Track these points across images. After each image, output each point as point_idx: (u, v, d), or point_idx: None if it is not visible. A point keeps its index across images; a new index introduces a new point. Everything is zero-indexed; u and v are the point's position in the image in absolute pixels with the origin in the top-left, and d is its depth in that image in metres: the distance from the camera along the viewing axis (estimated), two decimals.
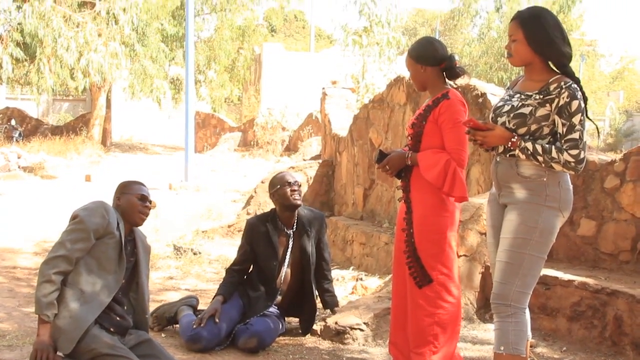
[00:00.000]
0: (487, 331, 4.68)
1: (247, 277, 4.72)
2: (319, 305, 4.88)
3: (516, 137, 3.11)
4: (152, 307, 4.51)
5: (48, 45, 17.77)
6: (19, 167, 15.94)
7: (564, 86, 3.06)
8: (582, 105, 3.06)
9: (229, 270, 4.74)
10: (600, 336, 4.36)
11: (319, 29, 48.71)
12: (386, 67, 14.64)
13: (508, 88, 3.41)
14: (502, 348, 3.15)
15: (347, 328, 4.46)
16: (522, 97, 3.18)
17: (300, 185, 4.69)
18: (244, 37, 25.70)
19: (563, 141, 3.06)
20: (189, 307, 4.65)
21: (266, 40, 29.52)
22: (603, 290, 4.37)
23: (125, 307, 3.67)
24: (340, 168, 10.12)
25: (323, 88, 12.02)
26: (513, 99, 3.22)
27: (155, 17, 20.73)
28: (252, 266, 4.73)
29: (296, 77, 28.74)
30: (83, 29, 18.16)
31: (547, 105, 3.09)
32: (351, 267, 7.77)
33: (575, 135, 3.03)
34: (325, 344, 4.44)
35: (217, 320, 4.28)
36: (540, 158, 3.06)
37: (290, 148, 20.88)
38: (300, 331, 4.72)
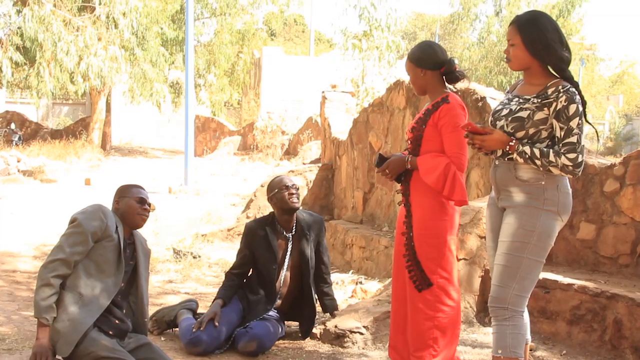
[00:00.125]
0: (487, 335, 4.67)
1: (247, 281, 4.72)
2: (319, 308, 4.88)
3: (514, 141, 3.12)
4: (151, 310, 4.51)
5: (48, 49, 17.76)
6: (18, 170, 15.93)
7: (561, 90, 3.06)
8: (580, 109, 3.06)
9: (228, 274, 4.73)
10: (600, 340, 4.36)
11: (319, 33, 48.75)
12: (386, 71, 14.63)
13: (508, 92, 3.41)
14: (500, 351, 3.16)
15: (347, 331, 4.46)
16: (521, 100, 3.18)
17: (298, 189, 4.70)
18: (243, 41, 25.74)
19: (561, 145, 3.06)
20: (189, 311, 4.65)
21: (266, 44, 29.52)
22: (603, 293, 4.37)
23: (125, 311, 3.68)
24: (340, 172, 10.12)
25: (323, 92, 12.02)
26: (511, 103, 3.23)
27: (155, 21, 20.74)
28: (251, 270, 4.73)
29: (296, 81, 28.76)
30: (83, 33, 18.16)
31: (545, 109, 3.09)
32: (351, 271, 7.77)
33: (573, 139, 3.04)
34: (325, 348, 4.44)
35: (216, 323, 4.28)
36: (538, 162, 3.06)
37: (290, 152, 20.88)
38: (299, 335, 4.72)
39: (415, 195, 3.69)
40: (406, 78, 5.35)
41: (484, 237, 4.84)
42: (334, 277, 6.57)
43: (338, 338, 4.46)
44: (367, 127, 8.98)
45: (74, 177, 16.11)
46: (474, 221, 5.05)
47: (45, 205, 11.29)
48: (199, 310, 4.78)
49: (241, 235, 4.84)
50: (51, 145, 21.43)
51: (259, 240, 4.62)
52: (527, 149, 3.08)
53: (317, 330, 4.64)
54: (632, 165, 4.92)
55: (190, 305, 4.74)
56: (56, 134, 25.61)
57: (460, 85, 3.80)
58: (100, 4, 18.38)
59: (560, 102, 3.05)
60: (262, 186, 10.32)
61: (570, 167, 3.04)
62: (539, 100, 3.11)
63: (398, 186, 3.81)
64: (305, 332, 4.69)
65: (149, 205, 3.74)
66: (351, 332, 4.46)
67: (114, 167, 19.77)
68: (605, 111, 43.50)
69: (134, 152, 25.56)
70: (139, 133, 29.71)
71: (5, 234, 8.71)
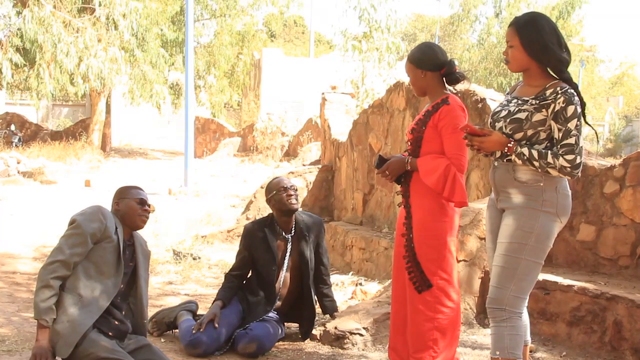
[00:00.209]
0: (487, 336, 4.66)
1: (246, 282, 4.73)
2: (318, 310, 4.88)
3: (512, 143, 3.12)
4: (151, 312, 4.52)
5: (48, 50, 17.77)
6: (18, 172, 15.93)
7: (559, 91, 3.06)
8: (579, 110, 3.06)
9: (227, 276, 4.73)
10: (600, 341, 4.36)
11: (319, 35, 48.79)
12: (386, 72, 14.65)
13: (507, 93, 3.42)
14: (497, 353, 3.16)
15: (347, 333, 4.46)
16: (519, 102, 3.19)
17: (296, 190, 4.71)
18: (243, 43, 25.77)
19: (559, 146, 3.06)
20: (189, 312, 4.65)
21: (266, 45, 29.56)
22: (602, 295, 4.37)
23: (124, 312, 3.68)
24: (339, 173, 10.12)
25: (322, 93, 12.01)
26: (510, 104, 3.23)
27: (154, 23, 20.76)
28: (251, 271, 4.73)
29: (296, 83, 28.79)
30: (83, 34, 18.17)
31: (544, 110, 3.09)
32: (351, 272, 7.77)
33: (571, 140, 3.04)
34: (325, 349, 4.44)
35: (216, 325, 4.28)
36: (536, 163, 3.06)
37: (290, 153, 20.88)
38: (299, 336, 4.72)
39: (415, 196, 3.69)
40: (406, 79, 5.35)
41: (484, 239, 4.85)
42: (334, 278, 6.57)
43: (338, 339, 4.46)
44: (367, 129, 8.98)
45: (74, 179, 16.11)
46: (474, 222, 5.05)
47: (45, 207, 11.29)
48: (199, 312, 4.78)
49: (240, 237, 4.84)
50: (51, 147, 21.43)
51: (258, 242, 4.63)
52: (525, 150, 3.08)
53: (317, 331, 4.64)
54: (632, 167, 4.91)
55: (190, 307, 4.73)
56: (56, 136, 25.62)
57: (460, 86, 3.80)
58: (100, 5, 18.40)
59: (559, 103, 3.05)
60: (261, 187, 10.32)
61: (568, 169, 3.04)
62: (537, 102, 3.11)
63: (398, 188, 3.81)
64: (305, 333, 4.68)
65: (149, 206, 3.74)
66: (351, 333, 4.46)
67: (113, 168, 19.78)
68: (605, 113, 43.52)
69: (134, 154, 25.57)
70: (138, 134, 29.74)
71: (5, 235, 8.71)
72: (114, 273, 3.54)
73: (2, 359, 3.77)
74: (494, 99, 5.99)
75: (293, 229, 4.69)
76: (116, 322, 3.58)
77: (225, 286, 4.66)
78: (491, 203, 3.39)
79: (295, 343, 4.61)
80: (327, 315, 4.90)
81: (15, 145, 22.41)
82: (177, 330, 4.56)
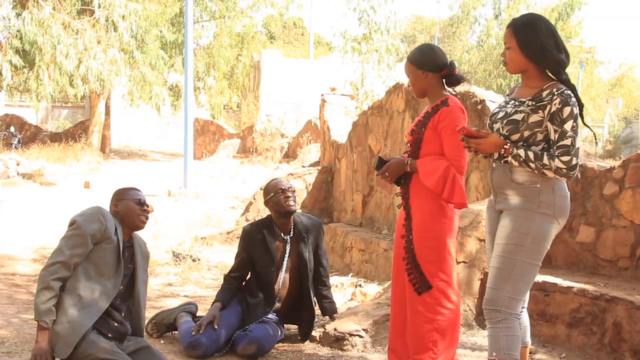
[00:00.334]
0: (486, 337, 4.67)
1: (246, 284, 4.73)
2: (318, 311, 4.88)
3: (509, 144, 3.12)
4: (150, 313, 4.52)
5: (47, 52, 17.75)
6: (18, 173, 15.92)
7: (556, 92, 3.06)
8: (575, 111, 3.05)
9: (226, 278, 4.74)
10: (600, 342, 4.36)
11: (318, 36, 48.83)
12: (385, 74, 14.66)
13: (506, 95, 3.42)
14: (494, 354, 3.16)
15: (346, 334, 4.46)
16: (516, 103, 3.19)
17: (294, 191, 4.72)
18: (243, 44, 25.76)
19: (555, 148, 3.06)
20: (188, 314, 4.65)
21: (265, 47, 29.59)
22: (602, 296, 4.37)
23: (124, 314, 3.68)
24: (339, 175, 10.12)
25: (322, 95, 12.02)
26: (507, 106, 3.24)
27: (154, 24, 20.76)
28: (250, 273, 4.73)
29: (295, 84, 28.80)
30: (82, 36, 18.15)
31: (540, 111, 3.09)
32: (350, 274, 7.77)
33: (567, 141, 3.03)
34: (324, 351, 4.44)
35: (216, 326, 4.28)
36: (532, 165, 3.06)
37: (289, 155, 20.88)
38: (299, 337, 4.72)
39: (415, 198, 3.69)
40: (405, 81, 5.35)
41: (484, 240, 4.84)
42: (333, 280, 6.57)
43: (337, 341, 4.46)
44: (366, 130, 8.98)
45: (74, 180, 16.11)
46: (473, 224, 5.05)
47: (44, 209, 11.29)
48: (199, 313, 4.78)
49: (239, 239, 4.85)
50: (50, 149, 21.43)
51: (256, 243, 4.63)
52: (521, 152, 3.08)
53: (316, 333, 4.64)
54: (631, 168, 4.92)
55: (189, 308, 4.73)
56: (55, 137, 25.60)
57: (460, 88, 3.80)
58: (99, 7, 18.38)
59: (555, 104, 3.05)
60: (261, 189, 10.30)
61: (564, 170, 3.03)
62: (534, 103, 3.11)
63: (397, 189, 3.81)
64: (305, 335, 4.68)
65: (148, 206, 3.74)
66: (350, 335, 4.46)
67: (113, 170, 19.77)
68: (604, 114, 43.52)
69: (133, 155, 25.57)
70: (138, 136, 29.73)
71: (4, 237, 8.70)
72: (113, 274, 3.54)
73: None
74: (493, 101, 5.99)
75: (292, 230, 4.70)
76: (115, 324, 3.58)
77: (225, 288, 4.66)
78: (490, 204, 3.40)
79: (295, 344, 4.61)
80: (327, 317, 4.90)
81: (15, 146, 22.40)
82: (176, 332, 4.56)
